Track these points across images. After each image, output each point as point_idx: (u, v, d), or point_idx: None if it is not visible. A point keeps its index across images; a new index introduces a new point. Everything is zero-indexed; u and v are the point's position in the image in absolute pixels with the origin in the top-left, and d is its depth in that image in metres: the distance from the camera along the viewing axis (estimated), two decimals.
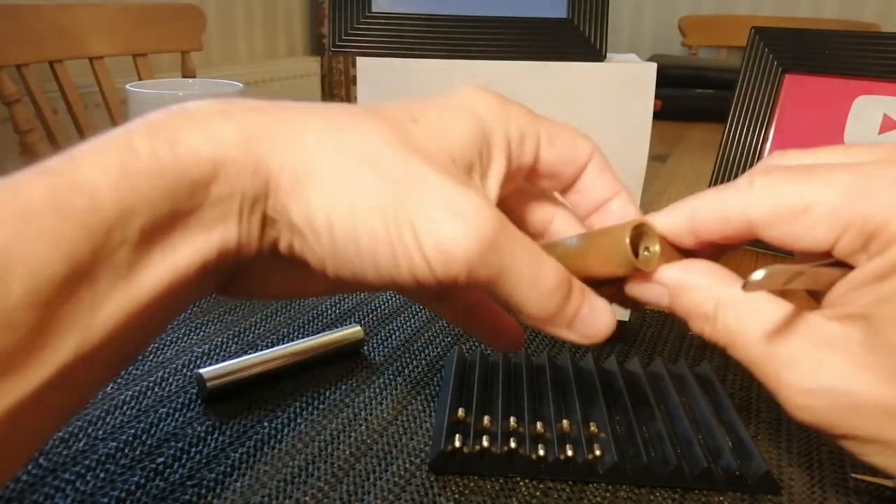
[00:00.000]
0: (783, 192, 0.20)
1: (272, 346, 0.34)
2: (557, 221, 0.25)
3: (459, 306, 0.25)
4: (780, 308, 0.20)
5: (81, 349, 0.16)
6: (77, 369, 0.16)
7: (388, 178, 0.19)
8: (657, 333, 0.39)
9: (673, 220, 0.23)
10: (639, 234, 0.22)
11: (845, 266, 0.20)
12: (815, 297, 0.22)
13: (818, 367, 0.20)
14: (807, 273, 0.20)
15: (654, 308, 0.26)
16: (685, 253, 0.23)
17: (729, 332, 0.21)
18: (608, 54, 0.55)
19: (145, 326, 0.18)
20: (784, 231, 0.20)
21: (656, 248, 0.22)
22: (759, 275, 0.19)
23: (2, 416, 0.15)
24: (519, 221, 0.24)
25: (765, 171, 0.22)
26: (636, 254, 0.21)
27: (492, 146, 0.21)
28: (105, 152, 0.17)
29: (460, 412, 0.28)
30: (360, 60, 0.53)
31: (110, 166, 0.17)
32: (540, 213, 0.25)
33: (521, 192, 0.24)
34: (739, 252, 0.52)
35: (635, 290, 0.23)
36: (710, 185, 0.54)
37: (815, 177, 0.20)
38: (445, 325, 0.39)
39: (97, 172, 0.16)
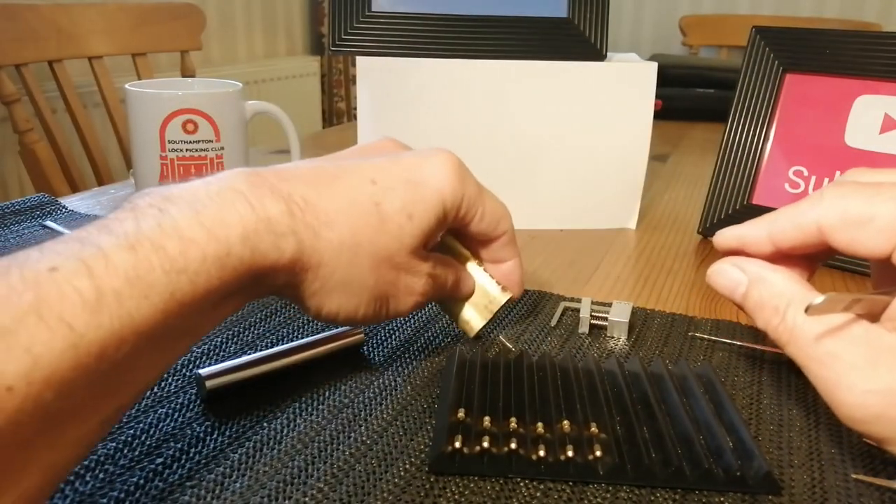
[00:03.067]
0: (851, 203, 0.24)
1: (272, 346, 0.34)
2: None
3: None
4: (843, 315, 0.23)
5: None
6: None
7: (378, 287, 0.28)
8: (658, 334, 0.39)
9: (754, 229, 0.27)
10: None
11: None
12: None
13: (877, 370, 0.22)
14: (864, 300, 0.22)
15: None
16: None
17: (794, 329, 0.24)
18: (608, 54, 0.55)
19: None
20: (849, 237, 0.24)
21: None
22: (820, 300, 0.22)
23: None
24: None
25: (836, 184, 0.25)
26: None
27: (446, 222, 0.30)
28: (203, 242, 0.22)
29: (460, 413, 0.28)
30: (359, 60, 0.53)
31: (211, 261, 0.22)
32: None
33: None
34: None
35: (716, 275, 0.27)
36: (710, 185, 0.54)
37: (881, 192, 0.24)
38: (446, 325, 0.39)
39: (189, 260, 0.22)
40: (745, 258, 0.27)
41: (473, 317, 0.35)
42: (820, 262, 0.29)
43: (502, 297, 0.35)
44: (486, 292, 0.35)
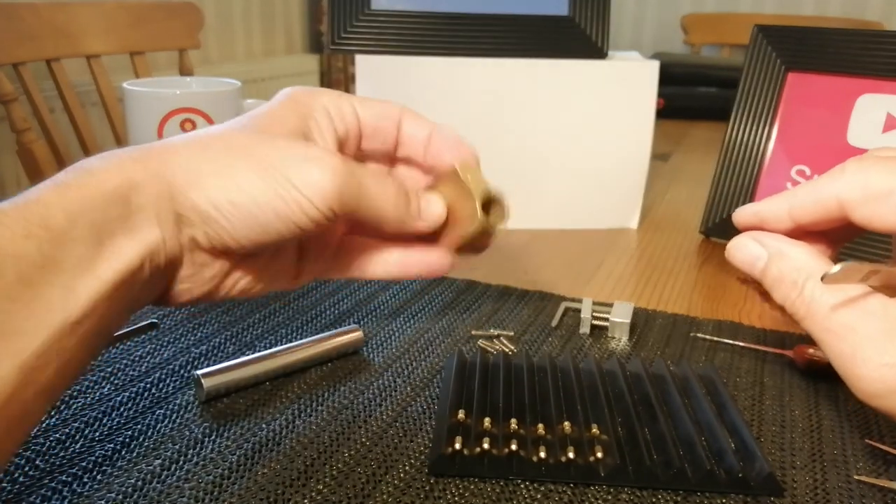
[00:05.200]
0: (872, 176, 0.24)
1: (270, 347, 0.33)
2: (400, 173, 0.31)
3: (332, 246, 0.30)
4: (860, 288, 0.23)
5: (65, 322, 0.21)
6: (65, 341, 0.21)
7: (258, 155, 0.25)
8: (660, 334, 0.39)
9: (773, 205, 0.27)
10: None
11: None
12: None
13: (893, 343, 0.22)
14: (882, 272, 0.22)
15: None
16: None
17: (812, 303, 0.24)
18: (610, 52, 0.55)
19: (110, 313, 0.22)
20: (871, 211, 0.24)
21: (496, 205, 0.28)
22: (837, 268, 0.21)
23: (15, 372, 0.20)
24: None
25: (857, 159, 0.25)
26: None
27: (315, 116, 0.27)
28: (42, 186, 0.22)
29: (460, 414, 0.28)
30: (359, 58, 0.52)
31: (50, 190, 0.22)
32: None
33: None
34: None
35: (734, 249, 0.27)
36: (712, 184, 0.54)
37: None
38: (446, 325, 0.39)
39: (44, 193, 0.22)
40: (765, 233, 0.27)
41: (469, 216, 0.27)
42: (842, 243, 0.28)
43: (475, 177, 0.27)
44: (457, 183, 0.28)
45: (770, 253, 0.26)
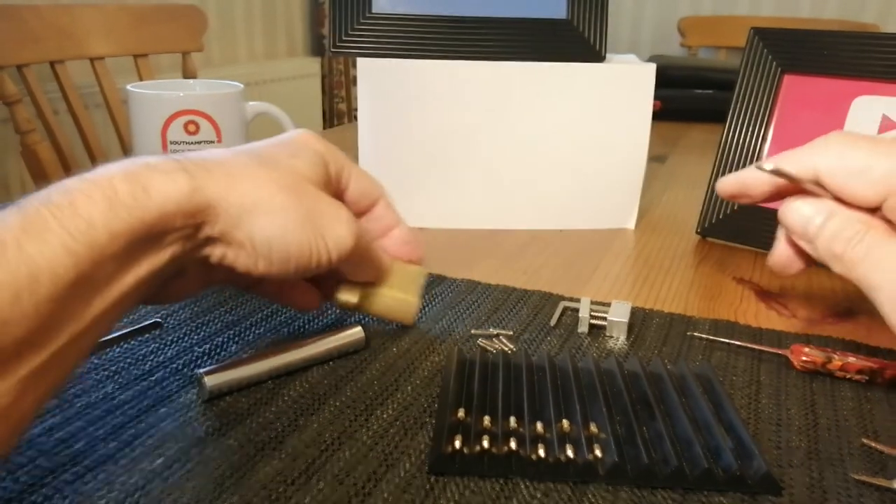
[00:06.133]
0: (851, 152, 0.26)
1: (273, 347, 0.34)
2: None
3: (273, 286, 0.34)
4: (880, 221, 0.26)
5: (73, 334, 0.21)
6: (67, 350, 0.21)
7: (305, 206, 0.28)
8: (657, 334, 0.39)
9: (755, 172, 0.29)
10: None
11: None
12: None
13: None
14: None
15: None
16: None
17: (871, 249, 0.25)
18: (607, 55, 0.55)
19: (110, 318, 0.23)
20: (843, 182, 0.26)
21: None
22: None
23: (19, 382, 0.20)
24: None
25: (842, 133, 0.27)
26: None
27: (329, 174, 0.31)
28: (93, 190, 0.22)
29: (460, 413, 0.28)
30: (360, 61, 0.53)
31: (99, 202, 0.22)
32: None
33: None
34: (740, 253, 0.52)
35: (788, 211, 0.28)
36: (709, 185, 0.54)
37: (880, 146, 0.25)
38: (446, 325, 0.39)
39: (90, 206, 0.22)
40: (813, 198, 0.28)
41: (405, 298, 0.37)
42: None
43: (423, 269, 0.37)
44: (404, 270, 0.36)
45: (828, 210, 0.27)
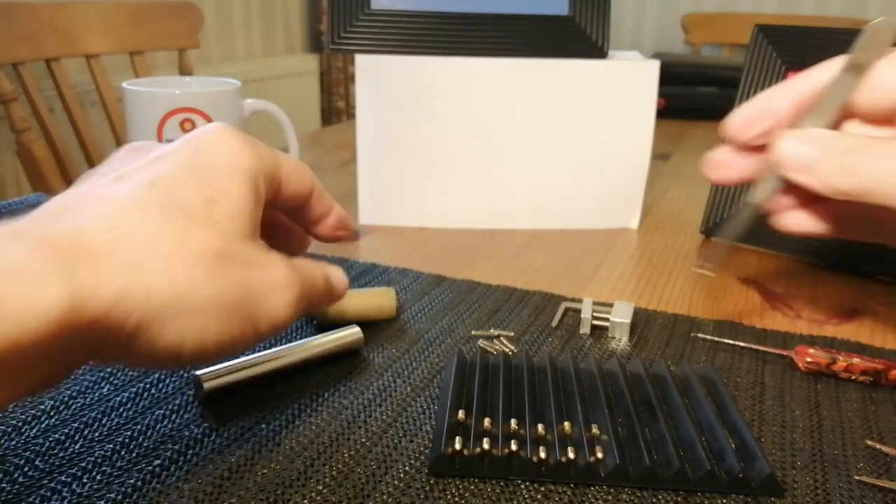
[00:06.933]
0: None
1: (270, 347, 0.33)
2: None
3: None
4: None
5: None
6: None
7: (229, 292, 0.22)
8: (660, 334, 0.39)
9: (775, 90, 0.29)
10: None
11: None
12: None
13: None
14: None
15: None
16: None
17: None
18: (610, 52, 0.55)
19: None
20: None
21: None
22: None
23: None
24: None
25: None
26: None
27: (260, 195, 0.25)
28: None
29: (460, 414, 0.28)
30: (359, 58, 0.52)
31: None
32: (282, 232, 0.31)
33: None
34: (743, 253, 0.51)
35: (783, 146, 0.27)
36: (713, 185, 0.54)
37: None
38: (446, 325, 0.39)
39: None
40: (799, 130, 0.27)
41: (376, 291, 0.38)
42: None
43: (390, 289, 0.38)
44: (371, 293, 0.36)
45: (821, 133, 0.26)
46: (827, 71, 0.26)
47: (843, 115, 0.25)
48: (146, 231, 0.20)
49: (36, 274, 0.17)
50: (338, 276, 0.29)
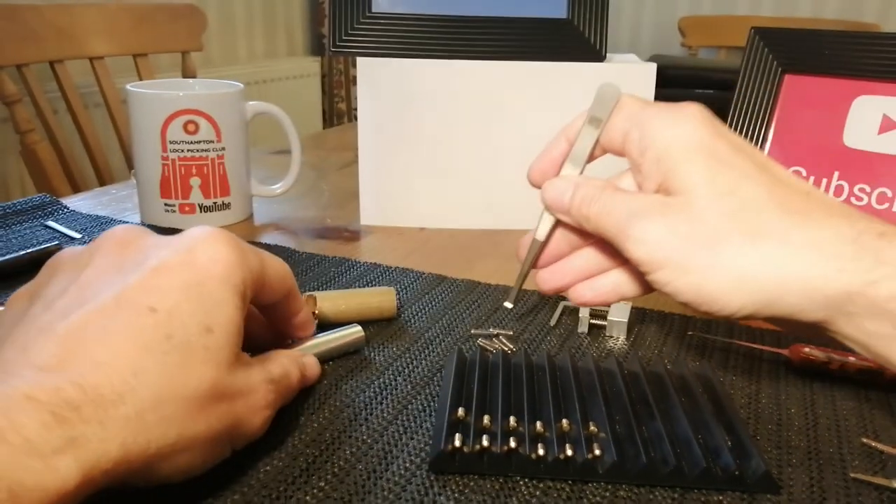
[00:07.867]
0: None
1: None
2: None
3: None
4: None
5: None
6: None
7: (218, 430, 0.24)
8: (657, 333, 0.39)
9: (552, 144, 0.32)
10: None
11: None
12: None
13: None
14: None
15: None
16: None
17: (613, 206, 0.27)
18: (608, 54, 0.55)
19: None
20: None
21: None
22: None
23: None
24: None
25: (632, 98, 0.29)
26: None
27: (246, 302, 0.26)
28: None
29: (460, 412, 0.28)
30: (360, 60, 0.53)
31: None
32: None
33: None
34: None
35: (546, 191, 0.30)
36: None
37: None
38: (446, 325, 0.39)
39: None
40: (565, 176, 0.30)
41: (375, 291, 0.39)
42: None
43: (390, 289, 0.39)
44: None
45: (576, 181, 0.29)
46: (580, 120, 0.30)
47: (590, 159, 0.29)
48: (148, 373, 0.22)
49: (50, 452, 0.19)
50: (312, 366, 0.31)
